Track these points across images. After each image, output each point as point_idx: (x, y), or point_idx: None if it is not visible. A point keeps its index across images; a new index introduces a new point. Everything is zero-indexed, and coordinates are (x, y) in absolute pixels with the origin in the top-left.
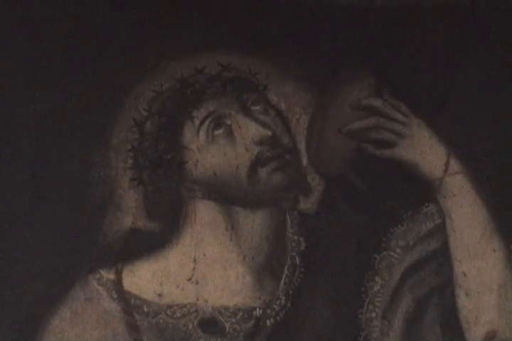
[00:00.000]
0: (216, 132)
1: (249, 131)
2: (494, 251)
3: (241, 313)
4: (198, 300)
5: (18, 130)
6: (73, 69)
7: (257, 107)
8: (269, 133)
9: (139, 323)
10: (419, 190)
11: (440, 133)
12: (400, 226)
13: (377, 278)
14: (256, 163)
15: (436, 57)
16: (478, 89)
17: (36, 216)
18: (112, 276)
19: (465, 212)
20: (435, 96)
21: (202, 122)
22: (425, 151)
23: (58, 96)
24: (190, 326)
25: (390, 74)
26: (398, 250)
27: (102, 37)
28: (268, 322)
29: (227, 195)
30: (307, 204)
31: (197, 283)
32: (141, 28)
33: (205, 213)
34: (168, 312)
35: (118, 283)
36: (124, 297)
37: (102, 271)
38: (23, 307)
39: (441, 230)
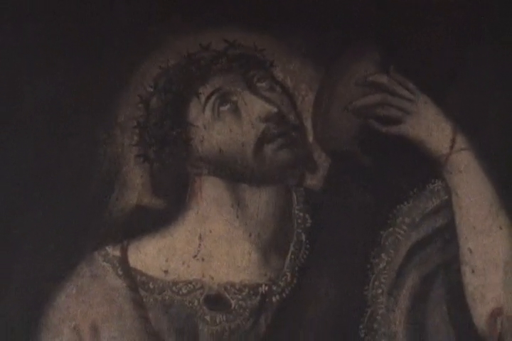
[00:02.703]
0: (222, 109)
1: (255, 107)
2: (500, 228)
3: (247, 290)
4: (203, 276)
5: (23, 109)
6: (79, 47)
7: (263, 84)
8: (275, 109)
9: (144, 300)
10: (426, 167)
11: (447, 110)
12: (406, 203)
13: (383, 255)
14: (262, 140)
15: (444, 34)
16: (485, 67)
17: (42, 194)
18: (117, 253)
19: (471, 189)
20: (443, 74)
21: (208, 99)
22: (431, 128)
23: (64, 74)
24: (196, 303)
25: (396, 52)
26: (404, 227)
27: (107, 14)
28: (274, 299)
29: (233, 172)
30: (313, 181)
31: (203, 259)
32: (147, 5)
33: (211, 190)
34: (174, 289)
35: (124, 259)
36: (129, 273)
37: (107, 248)
38: (30, 284)
39: (447, 207)
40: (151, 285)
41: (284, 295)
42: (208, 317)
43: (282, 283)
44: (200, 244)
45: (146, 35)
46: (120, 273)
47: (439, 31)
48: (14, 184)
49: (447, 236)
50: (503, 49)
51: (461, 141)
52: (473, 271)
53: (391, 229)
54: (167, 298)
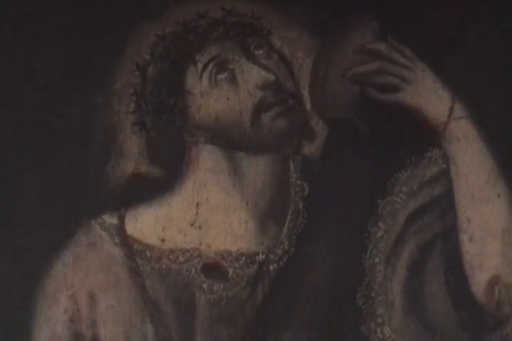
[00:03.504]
0: (219, 77)
1: (253, 75)
2: (499, 196)
3: (244, 258)
4: (200, 245)
5: (18, 78)
6: (76, 15)
7: (260, 52)
8: (273, 77)
9: (141, 268)
10: (424, 136)
11: (445, 78)
12: (404, 171)
13: (380, 224)
14: (259, 108)
15: (444, 1)
16: (485, 34)
17: (38, 162)
18: (114, 221)
19: (469, 157)
20: (441, 41)
21: (205, 67)
22: (430, 96)
23: (61, 42)
24: (193, 271)
25: (394, 19)
26: (402, 195)
27: None
28: (271, 267)
29: (230, 140)
30: (311, 149)
31: (200, 228)
32: None
33: (208, 158)
34: (171, 258)
35: (121, 228)
36: (126, 242)
37: (104, 216)
38: (26, 253)
39: (445, 175)
40: (148, 254)
41: (281, 263)
42: (205, 286)
43: (279, 251)
44: (197, 213)
45: (144, 3)
46: (117, 241)
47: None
48: (11, 151)
49: (445, 204)
50: (503, 18)
51: (459, 109)
52: (471, 240)
53: (389, 198)
54: (164, 266)
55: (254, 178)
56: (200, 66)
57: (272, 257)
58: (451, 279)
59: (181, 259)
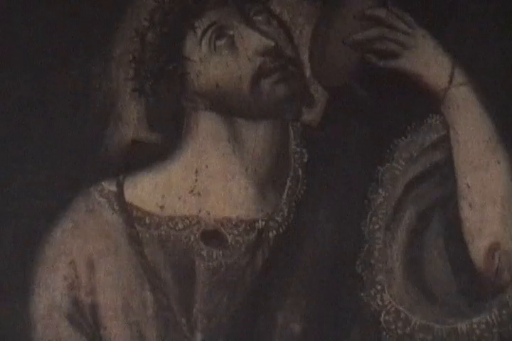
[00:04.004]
0: (218, 42)
1: (252, 41)
2: (498, 162)
3: (243, 225)
4: (200, 212)
5: (18, 42)
6: None
7: (260, 17)
8: (272, 43)
9: (140, 235)
10: (424, 102)
11: (445, 44)
12: (403, 138)
13: (380, 190)
14: (259, 74)
15: None
16: (485, 0)
17: (37, 128)
18: (113, 188)
19: (469, 124)
20: (441, 7)
21: (204, 32)
22: (430, 62)
23: (59, 7)
24: (192, 238)
25: None
26: (402, 162)
27: None
28: (270, 234)
29: (229, 107)
30: (310, 115)
31: (199, 195)
32: None
33: (207, 125)
34: (170, 224)
35: (120, 194)
36: (125, 209)
37: (103, 183)
38: (25, 220)
39: (445, 142)
40: (147, 221)
41: (280, 230)
42: (204, 253)
43: (279, 218)
44: (196, 179)
45: None
46: (116, 208)
47: None
48: (10, 118)
49: (445, 171)
50: None
51: (459, 76)
52: (470, 206)
53: (388, 164)
54: (163, 233)
55: (253, 145)
56: (199, 32)
57: (271, 224)
58: (450, 246)
59: (180, 226)
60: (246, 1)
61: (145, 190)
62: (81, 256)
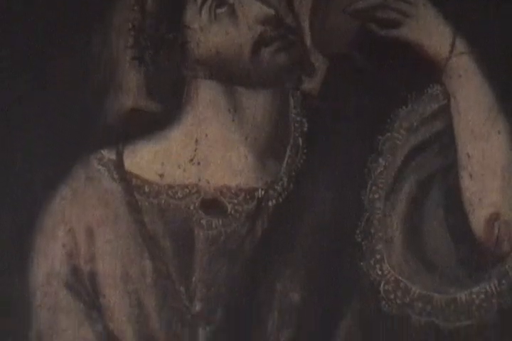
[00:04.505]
0: (219, 11)
1: (253, 9)
2: (499, 132)
3: (243, 194)
4: (199, 180)
5: (17, 7)
6: None
7: None
8: (273, 12)
9: (140, 203)
10: (424, 71)
11: (446, 13)
12: (404, 107)
13: (380, 160)
14: (259, 43)
15: None
16: None
17: (36, 97)
18: (113, 156)
19: (470, 93)
20: None
21: (204, 1)
22: (431, 31)
23: None
24: (192, 207)
25: None
26: (402, 131)
27: None
28: (270, 203)
29: (229, 75)
30: (310, 84)
31: (198, 163)
32: None
33: (207, 93)
34: (170, 193)
35: (119, 163)
36: (125, 177)
37: (103, 152)
38: (24, 188)
39: (445, 111)
40: (146, 189)
41: (280, 199)
42: (203, 222)
43: (279, 187)
44: (196, 148)
45: None
46: (115, 176)
47: None
48: (9, 86)
49: (445, 141)
50: None
51: (460, 45)
52: (471, 176)
53: (389, 134)
54: (163, 201)
55: (253, 114)
56: (199, 0)
57: (271, 193)
58: (450, 216)
59: (180, 195)
60: None
61: (144, 158)
62: (80, 225)
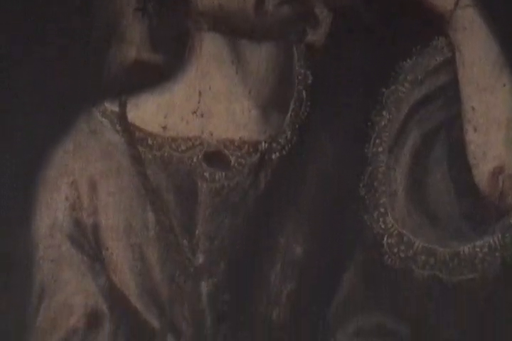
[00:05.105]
0: None
1: None
2: (504, 85)
3: (246, 147)
4: (203, 133)
5: None
6: None
7: None
8: None
9: (143, 156)
10: (429, 24)
11: None
12: (408, 60)
13: (384, 113)
14: None
15: None
16: None
17: (38, 49)
18: (116, 109)
19: (475, 46)
20: None
21: None
22: None
23: None
24: (195, 159)
25: None
26: (406, 84)
27: None
28: (273, 156)
29: (233, 27)
30: (314, 37)
31: (202, 116)
32: None
33: (211, 46)
34: (173, 146)
35: (122, 115)
36: (128, 129)
37: (106, 104)
38: (26, 141)
39: (450, 64)
40: (149, 142)
41: (283, 152)
42: (207, 174)
43: (282, 140)
44: (199, 101)
45: None
46: (118, 128)
47: None
48: (9, 37)
49: (450, 94)
50: None
51: None
52: (475, 129)
53: (393, 87)
54: (166, 154)
55: (257, 66)
56: None
57: (274, 146)
58: (454, 169)
59: (183, 147)
60: None
61: (147, 110)
62: (83, 177)
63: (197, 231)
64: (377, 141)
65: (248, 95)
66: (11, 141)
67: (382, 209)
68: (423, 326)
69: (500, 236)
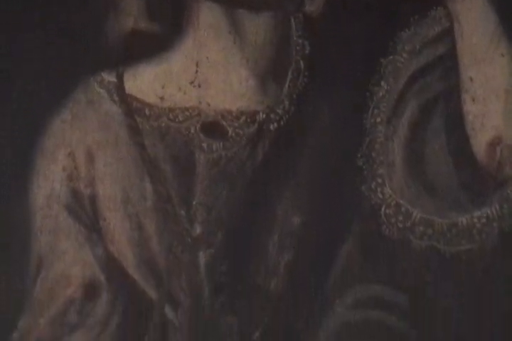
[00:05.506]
0: None
1: None
2: (502, 56)
3: (244, 117)
4: (200, 103)
5: None
6: None
7: None
8: None
9: (140, 126)
10: None
11: None
12: (407, 30)
13: (382, 83)
14: None
15: None
16: None
17: (37, 20)
18: (113, 79)
19: (473, 17)
20: None
21: None
22: None
23: None
24: (193, 130)
25: None
26: (405, 54)
27: None
28: (271, 127)
29: None
30: (312, 6)
31: (199, 86)
32: None
33: (208, 16)
34: (170, 116)
35: (119, 85)
36: (125, 100)
37: (103, 74)
38: (23, 111)
39: (449, 35)
40: (146, 112)
41: (281, 123)
42: (204, 145)
43: (280, 110)
44: (196, 71)
45: None
46: (116, 99)
47: None
48: (9, 9)
49: (448, 64)
50: None
51: None
52: (473, 100)
53: (391, 57)
54: (163, 124)
55: (254, 36)
56: None
57: (272, 116)
58: (452, 140)
59: (181, 118)
60: None
61: (145, 81)
62: (80, 148)
63: (194, 202)
64: (376, 111)
65: (246, 65)
66: (9, 111)
67: (379, 180)
68: (421, 297)
69: (498, 206)
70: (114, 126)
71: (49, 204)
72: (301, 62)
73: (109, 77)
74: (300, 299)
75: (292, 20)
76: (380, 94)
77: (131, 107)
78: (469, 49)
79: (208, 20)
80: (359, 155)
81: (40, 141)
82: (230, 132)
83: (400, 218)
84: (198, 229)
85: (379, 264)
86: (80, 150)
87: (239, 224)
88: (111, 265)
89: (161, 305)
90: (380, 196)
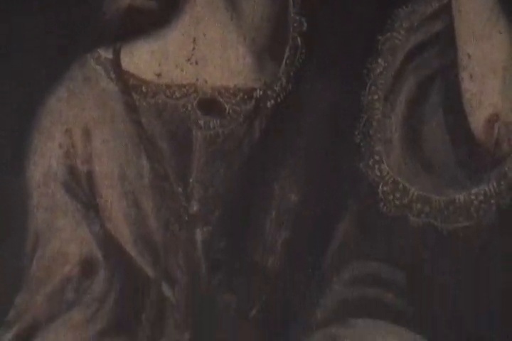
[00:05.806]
0: None
1: None
2: (500, 32)
3: (241, 94)
4: (197, 80)
5: None
6: None
7: None
8: None
9: (137, 103)
10: None
11: None
12: (404, 7)
13: (380, 60)
14: None
15: None
16: None
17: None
18: (110, 56)
19: None
20: None
21: None
22: None
23: None
24: (190, 107)
25: None
26: (402, 31)
27: None
28: (268, 104)
29: None
30: None
31: (196, 63)
32: None
33: None
34: (167, 93)
35: (116, 62)
36: (122, 77)
37: (100, 51)
38: (20, 89)
39: (446, 11)
40: (143, 89)
41: (278, 100)
42: (201, 122)
43: (277, 88)
44: (193, 48)
45: None
46: (112, 76)
47: None
48: None
49: (446, 41)
50: None
51: None
52: (471, 77)
53: (389, 34)
54: (160, 101)
55: (251, 13)
56: None
57: (269, 93)
58: (450, 117)
59: (177, 95)
60: None
61: (142, 58)
62: (77, 125)
63: (191, 179)
64: (373, 88)
65: (243, 42)
66: (5, 88)
67: (377, 157)
68: (418, 274)
69: (495, 183)
70: (111, 103)
71: (46, 181)
72: (299, 39)
73: (106, 54)
74: (297, 276)
75: None
76: (378, 71)
77: (127, 84)
78: (467, 26)
79: None
80: (356, 133)
81: (37, 119)
82: (227, 109)
83: (398, 195)
84: (195, 207)
85: (376, 241)
86: (77, 127)
87: (236, 202)
88: (108, 242)
89: (158, 283)
90: (378, 173)
